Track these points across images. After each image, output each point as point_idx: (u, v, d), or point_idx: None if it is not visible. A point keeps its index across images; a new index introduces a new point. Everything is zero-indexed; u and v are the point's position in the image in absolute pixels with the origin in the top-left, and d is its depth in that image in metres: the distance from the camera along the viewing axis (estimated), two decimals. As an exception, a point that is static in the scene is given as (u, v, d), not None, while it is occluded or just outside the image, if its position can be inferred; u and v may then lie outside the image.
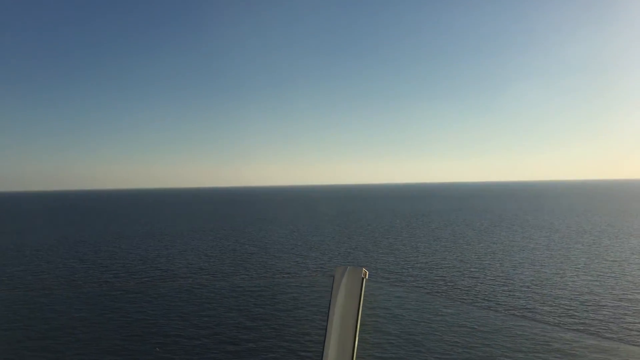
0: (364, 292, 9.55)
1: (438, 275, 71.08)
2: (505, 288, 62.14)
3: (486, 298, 57.29)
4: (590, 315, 49.55)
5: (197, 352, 41.79)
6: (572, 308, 52.21)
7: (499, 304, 54.70)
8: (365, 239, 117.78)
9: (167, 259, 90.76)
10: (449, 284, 65.58)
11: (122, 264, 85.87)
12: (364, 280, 9.59)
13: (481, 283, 65.24)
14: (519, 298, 56.82)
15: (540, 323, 47.22)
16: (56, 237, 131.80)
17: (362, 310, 9.53)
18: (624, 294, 58.41)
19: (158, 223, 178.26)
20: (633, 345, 41.18)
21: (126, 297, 61.42)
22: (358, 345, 9.85)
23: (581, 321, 47.62)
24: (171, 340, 44.89)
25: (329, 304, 9.54)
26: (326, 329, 9.38)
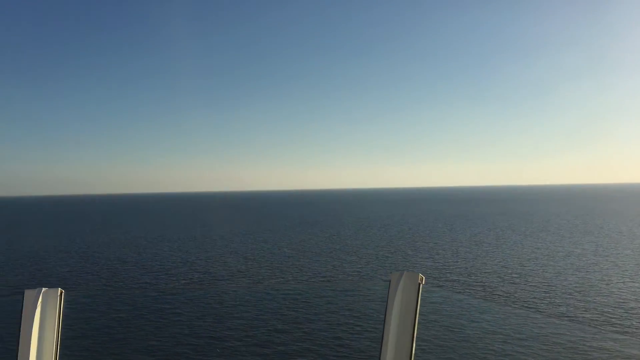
0: (421, 298, 9.35)
1: (477, 281, 69.57)
2: (546, 294, 60.20)
3: (525, 305, 55.66)
4: (634, 323, 47.42)
5: (227, 354, 42.27)
6: (615, 316, 50.09)
7: (539, 310, 53.06)
8: (405, 243, 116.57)
9: (206, 261, 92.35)
10: (487, 289, 64.08)
11: (163, 266, 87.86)
12: (421, 285, 9.34)
13: (521, 290, 63.43)
14: (559, 305, 54.94)
15: (581, 331, 45.52)
16: (103, 240, 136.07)
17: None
18: (673, 302, 55.68)
19: (200, 226, 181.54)
20: (680, 356, 39.18)
21: (164, 299, 62.83)
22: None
23: (624, 330, 45.63)
24: (203, 341, 45.58)
25: (385, 310, 9.33)
26: (382, 335, 9.20)
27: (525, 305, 55.46)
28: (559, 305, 54.68)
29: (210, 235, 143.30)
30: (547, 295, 59.90)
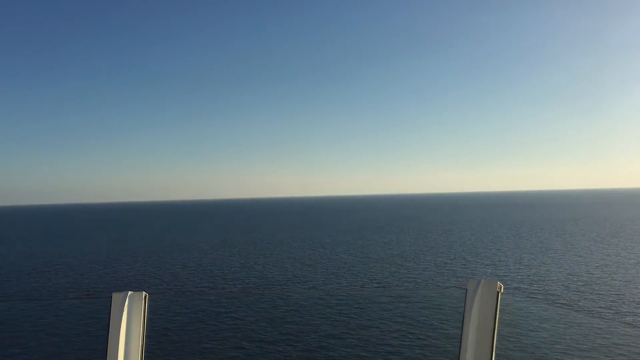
0: (500, 307, 9.15)
1: (539, 289, 66.85)
2: (613, 303, 56.98)
3: (589, 314, 52.90)
4: None
5: (277, 358, 42.65)
6: (689, 328, 46.73)
7: (604, 319, 50.28)
8: (465, 249, 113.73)
9: (263, 266, 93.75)
10: (550, 297, 61.44)
11: (222, 270, 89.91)
12: (499, 294, 9.15)
13: (585, 298, 60.37)
14: (626, 314, 51.85)
15: (649, 343, 42.73)
16: (168, 244, 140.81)
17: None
18: None
19: (260, 231, 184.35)
20: None
21: (220, 302, 64.20)
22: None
23: (698, 343, 42.47)
24: (255, 345, 46.22)
25: (462, 320, 9.18)
26: (460, 345, 9.10)
27: (590, 314, 52.73)
28: (626, 315, 51.61)
29: (270, 241, 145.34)
30: (614, 304, 56.70)
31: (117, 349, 9.03)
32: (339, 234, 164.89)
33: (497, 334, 8.75)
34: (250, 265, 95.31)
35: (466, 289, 9.19)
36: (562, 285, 68.69)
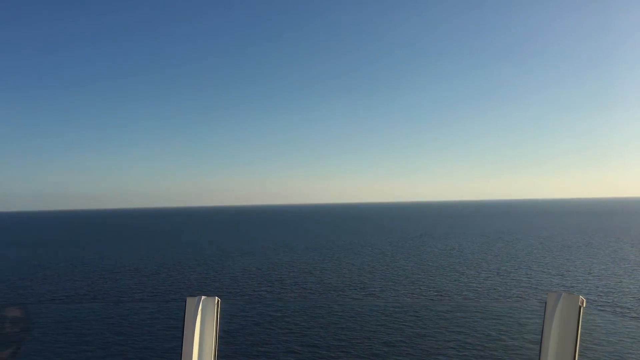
0: (582, 323, 8.68)
1: (607, 301, 63.59)
2: (690, 319, 53.35)
3: (662, 329, 49.83)
4: None
5: (328, 364, 42.82)
6: None
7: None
8: (532, 258, 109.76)
9: (321, 272, 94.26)
10: (618, 310, 58.31)
11: (280, 276, 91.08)
12: (582, 309, 8.68)
13: (659, 311, 56.86)
14: None
15: None
16: (230, 249, 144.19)
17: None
18: None
19: (323, 237, 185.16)
20: None
21: (276, 306, 65.10)
22: None
23: None
24: (306, 350, 46.52)
25: (541, 334, 8.87)
26: None
27: (662, 329, 49.65)
28: None
29: (331, 246, 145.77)
30: (691, 319, 53.07)
31: (192, 353, 9.28)
32: (399, 241, 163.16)
33: (579, 352, 8.13)
34: (308, 271, 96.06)
35: (545, 302, 8.68)
36: (634, 297, 64.99)
